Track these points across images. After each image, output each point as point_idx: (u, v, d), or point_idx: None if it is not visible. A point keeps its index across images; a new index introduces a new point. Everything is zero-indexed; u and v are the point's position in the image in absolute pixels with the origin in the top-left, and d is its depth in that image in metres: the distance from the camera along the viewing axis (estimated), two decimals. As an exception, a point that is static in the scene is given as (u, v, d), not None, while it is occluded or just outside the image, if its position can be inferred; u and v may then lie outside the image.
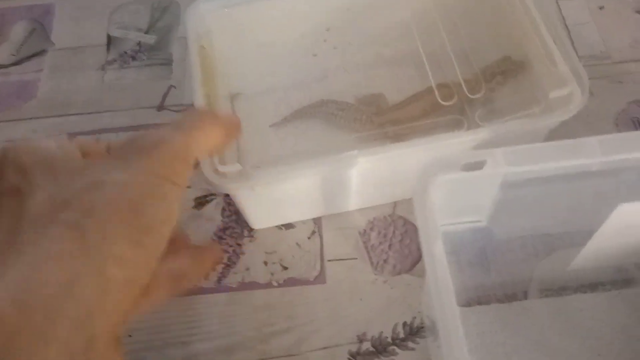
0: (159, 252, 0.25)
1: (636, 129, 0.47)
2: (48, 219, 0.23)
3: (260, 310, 0.42)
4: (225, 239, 0.45)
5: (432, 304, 0.24)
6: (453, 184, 0.26)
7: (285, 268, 0.43)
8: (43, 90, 0.53)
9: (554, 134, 0.39)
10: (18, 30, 0.56)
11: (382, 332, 0.40)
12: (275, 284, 0.43)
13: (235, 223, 0.45)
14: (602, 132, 0.31)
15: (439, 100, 0.41)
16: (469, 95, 0.40)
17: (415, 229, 0.43)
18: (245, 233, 0.45)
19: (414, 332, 0.40)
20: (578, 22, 0.53)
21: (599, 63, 0.51)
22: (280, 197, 0.41)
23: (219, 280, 0.43)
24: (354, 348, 0.40)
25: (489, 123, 0.34)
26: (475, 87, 0.41)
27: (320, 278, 0.43)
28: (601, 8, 0.55)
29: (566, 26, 0.53)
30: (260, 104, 0.49)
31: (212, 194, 0.47)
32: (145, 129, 0.50)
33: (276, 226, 0.45)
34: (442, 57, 0.44)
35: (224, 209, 0.46)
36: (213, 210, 0.46)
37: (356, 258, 0.43)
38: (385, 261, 0.43)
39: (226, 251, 0.44)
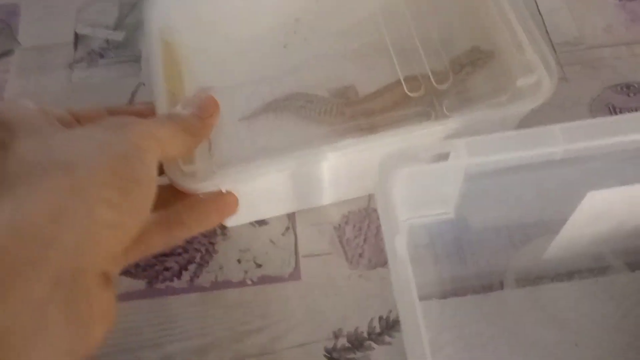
0: (146, 206, 0.26)
1: (611, 114, 0.47)
2: (37, 160, 0.23)
3: (234, 309, 0.41)
4: (197, 237, 0.44)
5: (394, 298, 0.23)
6: (416, 176, 0.26)
7: (260, 265, 0.43)
8: (11, 91, 0.52)
9: (528, 122, 0.38)
10: (-17, 31, 0.55)
11: (357, 327, 0.40)
12: (249, 282, 0.42)
13: (207, 221, 0.44)
14: (576, 119, 0.31)
15: (407, 92, 0.40)
16: (436, 86, 0.39)
17: (390, 222, 0.43)
18: (218, 231, 0.44)
19: (390, 326, 0.40)
20: (551, 7, 0.53)
21: (573, 49, 0.51)
22: (251, 194, 0.40)
23: (192, 280, 0.42)
24: (329, 344, 0.39)
25: (456, 113, 0.33)
26: (443, 78, 0.40)
27: (294, 274, 0.42)
28: (575, -7, 0.54)
29: (540, 12, 0.53)
30: (230, 98, 0.47)
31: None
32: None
33: (250, 223, 0.44)
34: (410, 49, 0.43)
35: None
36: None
37: (331, 253, 0.43)
38: (360, 255, 0.43)
39: (199, 250, 0.43)
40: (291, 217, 0.44)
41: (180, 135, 0.31)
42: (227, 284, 0.42)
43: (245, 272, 0.42)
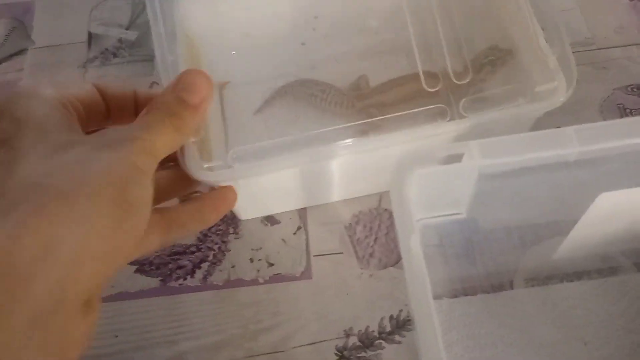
0: (140, 230, 0.26)
1: (621, 115, 0.47)
2: (38, 183, 0.23)
3: (246, 307, 0.41)
4: (210, 236, 0.44)
5: (409, 297, 0.23)
6: (430, 177, 0.26)
7: (271, 264, 0.43)
8: (24, 90, 0.52)
9: (539, 122, 0.39)
10: (-3, 30, 0.56)
11: (368, 326, 0.40)
12: (261, 280, 0.42)
13: (220, 220, 0.45)
14: (586, 119, 0.31)
15: (424, 87, 0.40)
16: (455, 81, 0.39)
17: (400, 221, 0.43)
18: (231, 230, 0.45)
19: (400, 325, 0.40)
20: (563, 8, 0.53)
21: (584, 49, 0.51)
22: (265, 188, 0.41)
23: (205, 278, 0.43)
24: (340, 343, 0.40)
25: (471, 114, 0.33)
26: (462, 77, 0.40)
27: (306, 273, 0.43)
28: (586, -6, 0.54)
29: (550, 13, 0.53)
30: (248, 93, 0.48)
31: (196, 191, 0.46)
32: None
33: (262, 222, 0.45)
34: (433, 46, 0.42)
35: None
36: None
37: (342, 253, 0.43)
38: (371, 255, 0.43)
39: (212, 249, 0.44)
40: (302, 216, 0.45)
41: (169, 134, 0.29)
42: (240, 283, 0.42)
43: (258, 270, 0.43)
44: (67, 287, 0.23)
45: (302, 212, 0.45)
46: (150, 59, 0.53)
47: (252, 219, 0.45)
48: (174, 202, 0.36)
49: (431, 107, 0.40)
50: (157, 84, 0.51)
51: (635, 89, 0.49)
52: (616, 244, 0.38)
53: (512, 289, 0.40)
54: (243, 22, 0.47)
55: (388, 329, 0.40)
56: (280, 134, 0.45)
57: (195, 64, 0.42)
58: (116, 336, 0.41)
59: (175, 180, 0.34)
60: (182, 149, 0.33)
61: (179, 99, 0.30)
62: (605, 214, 0.32)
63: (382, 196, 0.45)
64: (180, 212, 0.32)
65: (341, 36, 0.49)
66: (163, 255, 0.44)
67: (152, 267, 0.43)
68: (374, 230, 0.44)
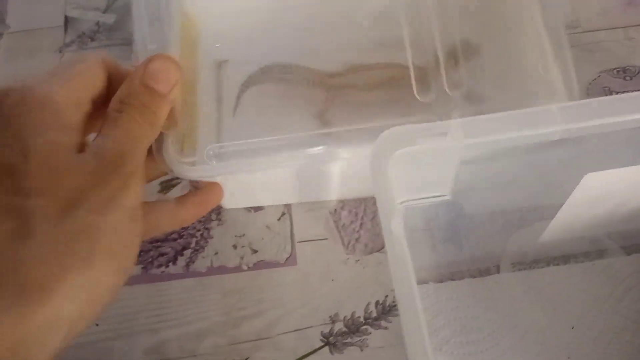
0: (131, 265, 0.27)
1: (607, 98, 0.47)
2: (48, 262, 0.23)
3: (230, 294, 0.41)
4: (192, 223, 0.43)
5: (392, 280, 0.23)
6: (411, 157, 0.25)
7: (255, 251, 0.42)
8: (-1, 75, 0.51)
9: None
10: (-29, 14, 0.54)
11: (354, 312, 0.40)
12: (245, 267, 0.42)
13: (202, 207, 0.44)
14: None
15: (415, 93, 0.39)
16: (448, 91, 0.38)
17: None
18: (213, 217, 0.44)
19: (386, 310, 0.40)
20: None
21: (569, 32, 0.50)
22: (251, 183, 0.40)
23: (187, 265, 0.42)
24: (326, 329, 0.39)
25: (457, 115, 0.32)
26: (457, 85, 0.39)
27: (291, 260, 0.42)
28: (572, -24, 0.54)
29: (537, -5, 0.52)
30: (247, 73, 0.46)
31: (177, 178, 0.45)
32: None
33: (245, 209, 0.44)
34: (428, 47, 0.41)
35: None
36: (179, 194, 0.45)
37: (327, 238, 0.43)
38: (357, 240, 0.42)
39: (194, 236, 0.43)
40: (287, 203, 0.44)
41: (147, 137, 0.29)
42: (223, 270, 0.42)
43: (241, 257, 0.42)
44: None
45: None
46: (128, 42, 0.52)
47: (235, 205, 0.44)
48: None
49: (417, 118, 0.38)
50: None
51: (621, 72, 0.48)
52: (602, 226, 0.38)
53: (499, 273, 0.40)
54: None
55: (374, 314, 0.40)
56: (256, 121, 0.44)
57: (190, 40, 0.41)
58: (97, 324, 0.40)
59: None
60: (156, 140, 0.32)
61: (148, 88, 0.29)
62: (591, 195, 0.32)
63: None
64: (163, 212, 0.33)
65: (346, 26, 0.46)
66: (144, 243, 0.43)
67: (134, 255, 0.42)
68: (359, 216, 0.43)
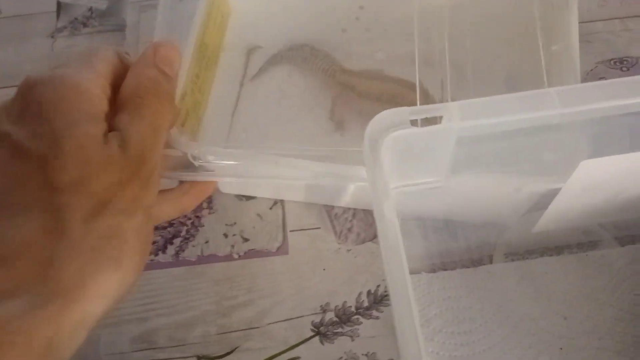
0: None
1: (604, 89, 0.46)
2: (80, 262, 0.24)
3: (220, 283, 0.40)
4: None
5: (384, 267, 0.22)
6: (405, 140, 0.25)
7: (246, 240, 0.42)
8: (-10, 60, 0.50)
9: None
10: (-39, -2, 0.53)
11: (345, 301, 0.39)
12: (235, 256, 0.41)
13: (193, 194, 0.43)
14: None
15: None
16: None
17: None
18: (204, 205, 0.43)
19: (378, 300, 0.39)
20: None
21: (567, 23, 0.50)
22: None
23: (177, 254, 0.41)
24: (317, 319, 0.39)
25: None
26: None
27: (282, 249, 0.41)
28: (570, -33, 0.53)
29: (534, -15, 0.52)
30: (276, 63, 0.45)
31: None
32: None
33: (237, 197, 0.43)
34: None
35: (181, 181, 0.44)
36: (169, 182, 0.44)
37: (319, 227, 0.42)
38: (349, 230, 0.42)
39: (184, 224, 0.42)
40: (279, 190, 0.43)
41: (168, 122, 0.29)
42: (214, 258, 0.41)
43: (232, 246, 0.42)
44: None
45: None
46: (121, 28, 0.51)
47: (227, 193, 0.43)
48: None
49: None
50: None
51: (618, 63, 0.48)
52: (597, 216, 0.38)
53: (492, 263, 0.39)
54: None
55: (365, 304, 0.39)
56: (276, 100, 0.44)
57: (215, 24, 0.40)
58: (84, 313, 0.39)
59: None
60: None
61: (164, 73, 0.28)
62: (586, 183, 0.31)
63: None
64: (167, 201, 0.34)
65: (385, 35, 0.45)
66: (134, 231, 0.42)
67: (123, 243, 0.42)
68: (352, 205, 0.43)
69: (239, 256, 0.41)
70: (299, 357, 0.38)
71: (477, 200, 0.36)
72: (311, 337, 0.38)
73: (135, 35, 0.50)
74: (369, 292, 0.40)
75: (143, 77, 0.27)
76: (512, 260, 0.40)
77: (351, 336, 0.38)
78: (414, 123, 0.24)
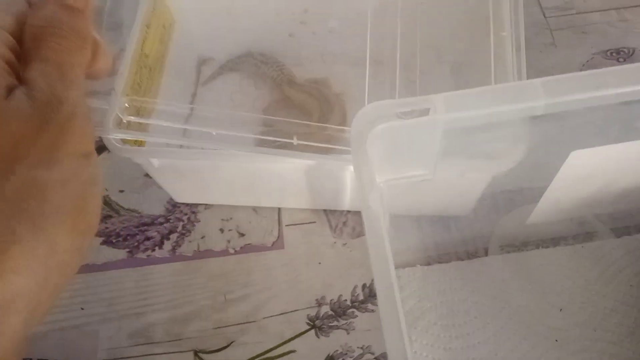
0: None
1: (600, 79, 0.46)
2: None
3: (216, 278, 0.40)
4: (179, 206, 0.43)
5: (369, 259, 0.22)
6: (391, 133, 0.25)
7: (242, 235, 0.42)
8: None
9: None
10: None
11: (341, 295, 0.39)
12: (231, 251, 0.41)
13: (189, 190, 0.44)
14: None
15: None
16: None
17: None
18: (201, 200, 0.43)
19: (373, 294, 0.39)
20: (542, -28, 0.52)
21: (563, 14, 0.50)
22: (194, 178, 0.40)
23: (174, 249, 0.42)
24: (312, 312, 0.39)
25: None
26: None
27: (278, 243, 0.42)
28: (566, -43, 0.53)
29: (530, -23, 0.51)
30: (227, 72, 0.47)
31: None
32: (94, 96, 0.48)
33: (232, 192, 0.44)
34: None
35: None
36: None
37: (315, 222, 0.42)
38: (344, 224, 0.42)
39: (180, 219, 0.43)
40: (274, 185, 0.44)
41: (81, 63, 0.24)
42: (210, 253, 0.41)
43: (228, 241, 0.42)
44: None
45: (274, 182, 0.44)
46: (118, 26, 0.51)
47: (222, 188, 0.44)
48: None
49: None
50: (124, 50, 0.49)
51: (614, 54, 0.48)
52: (591, 207, 0.38)
53: (487, 255, 0.39)
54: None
55: (361, 297, 0.39)
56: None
57: (158, 33, 0.41)
58: (82, 308, 0.40)
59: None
60: None
61: (66, 7, 0.24)
62: (578, 174, 0.31)
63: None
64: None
65: (331, 37, 0.46)
66: (130, 227, 0.42)
67: (119, 239, 0.42)
68: (347, 199, 0.43)
69: (235, 251, 0.41)
70: (294, 351, 0.38)
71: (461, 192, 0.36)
72: (307, 330, 0.38)
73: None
74: (364, 286, 0.40)
75: (40, 17, 0.24)
76: (508, 252, 0.40)
77: (347, 329, 0.38)
78: (399, 116, 0.24)
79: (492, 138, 0.29)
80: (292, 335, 0.38)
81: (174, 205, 0.43)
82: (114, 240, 0.42)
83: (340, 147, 0.32)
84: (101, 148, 0.43)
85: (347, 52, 0.46)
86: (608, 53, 0.48)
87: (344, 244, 0.41)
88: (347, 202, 0.41)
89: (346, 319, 0.39)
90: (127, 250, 0.42)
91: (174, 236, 0.42)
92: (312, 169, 0.35)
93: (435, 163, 0.28)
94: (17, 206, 0.20)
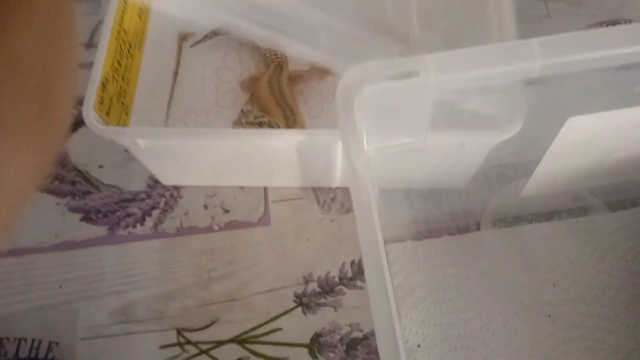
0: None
1: (595, 51, 0.45)
2: None
3: (200, 255, 0.39)
4: (160, 182, 0.41)
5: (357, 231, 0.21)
6: (381, 97, 0.23)
7: (227, 211, 0.41)
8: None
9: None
10: None
11: (329, 271, 0.38)
12: (216, 227, 0.40)
13: (172, 165, 0.42)
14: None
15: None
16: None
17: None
18: (184, 175, 0.42)
19: (361, 270, 0.38)
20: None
21: (557, -16, 0.48)
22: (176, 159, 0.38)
23: (156, 226, 0.40)
24: (299, 289, 0.38)
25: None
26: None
27: (264, 220, 0.40)
28: None
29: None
30: (209, 49, 0.45)
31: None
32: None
33: (217, 167, 0.42)
34: None
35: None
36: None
37: (302, 198, 0.41)
38: (332, 200, 0.41)
39: (163, 195, 0.41)
40: (260, 160, 0.42)
41: None
42: (193, 230, 0.40)
43: (212, 217, 0.40)
44: None
45: (260, 156, 0.42)
46: (96, -5, 0.49)
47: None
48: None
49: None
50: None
51: (610, 25, 0.46)
52: (586, 180, 0.36)
53: (479, 230, 0.38)
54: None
55: (349, 274, 0.38)
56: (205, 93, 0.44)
57: (137, 8, 0.39)
58: (61, 286, 0.38)
59: None
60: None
61: None
62: (574, 141, 0.30)
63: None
64: None
65: (318, 1, 0.43)
66: (110, 203, 0.41)
67: (99, 215, 0.40)
68: (335, 174, 0.41)
69: (220, 228, 0.40)
70: (280, 329, 0.37)
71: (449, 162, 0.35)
72: (293, 308, 0.37)
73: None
74: (352, 263, 0.39)
75: None
76: (500, 227, 0.38)
77: (334, 307, 0.37)
78: (389, 78, 0.23)
79: (487, 104, 0.28)
80: (279, 313, 0.37)
81: (155, 181, 0.41)
82: (93, 217, 0.40)
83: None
84: (79, 123, 0.42)
85: (336, 18, 0.44)
86: (604, 24, 0.46)
87: (332, 220, 0.40)
88: (337, 178, 0.39)
89: (334, 296, 0.38)
90: (108, 227, 0.40)
91: (155, 212, 0.41)
92: (302, 146, 0.33)
93: (426, 129, 0.26)
94: None
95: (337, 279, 0.38)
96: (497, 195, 0.39)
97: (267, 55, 0.43)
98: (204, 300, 0.38)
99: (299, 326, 0.37)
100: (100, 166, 0.42)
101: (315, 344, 0.36)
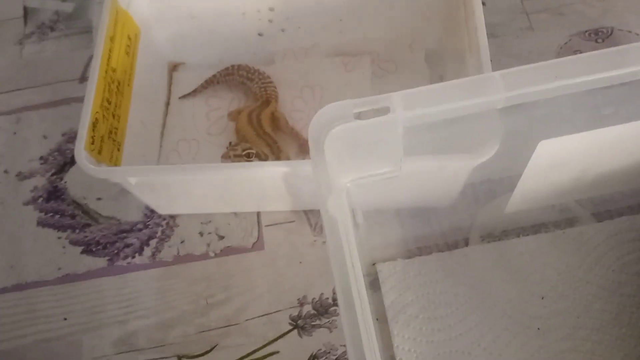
0: None
1: (577, 62, 0.46)
2: None
3: (197, 282, 0.40)
4: (157, 212, 0.43)
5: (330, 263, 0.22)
6: (351, 134, 0.24)
7: (222, 237, 0.42)
8: (-40, 71, 0.50)
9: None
10: None
11: (322, 293, 0.39)
12: (211, 254, 0.41)
13: (167, 195, 0.43)
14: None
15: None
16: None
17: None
18: (179, 204, 0.43)
19: (354, 290, 0.39)
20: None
21: (539, -4, 0.49)
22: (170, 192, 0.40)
23: (154, 255, 0.41)
24: (295, 312, 0.39)
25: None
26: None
27: (258, 244, 0.41)
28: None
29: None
30: (201, 78, 0.46)
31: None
32: (68, 103, 0.48)
33: (211, 194, 0.43)
34: None
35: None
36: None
37: (294, 221, 0.42)
38: (324, 221, 0.42)
39: (159, 225, 0.42)
40: (253, 185, 0.43)
41: None
42: (190, 258, 0.41)
43: (208, 244, 0.42)
44: None
45: (252, 182, 0.43)
46: (88, 30, 0.50)
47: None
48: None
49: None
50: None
51: (592, 34, 0.47)
52: (571, 193, 0.37)
53: (467, 246, 0.39)
54: (189, 3, 0.44)
55: (342, 295, 0.39)
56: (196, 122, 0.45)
57: (124, 42, 0.40)
58: (65, 319, 0.40)
59: None
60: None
61: None
62: (549, 162, 0.31)
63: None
64: None
65: (300, 32, 0.46)
66: (109, 234, 0.42)
67: (99, 247, 0.42)
68: (326, 196, 0.42)
69: (215, 254, 0.41)
70: (278, 352, 0.38)
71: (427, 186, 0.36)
72: (289, 331, 0.38)
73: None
74: (345, 283, 0.39)
75: None
76: (488, 242, 0.39)
77: (329, 328, 0.38)
78: (358, 116, 0.24)
79: (462, 131, 0.29)
80: (275, 336, 0.38)
81: (152, 211, 0.43)
82: (93, 249, 0.42)
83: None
84: (72, 161, 0.44)
85: (319, 45, 0.46)
86: (586, 34, 0.47)
87: (324, 242, 0.41)
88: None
89: (328, 317, 0.38)
90: (108, 258, 0.41)
91: (153, 242, 0.42)
92: (288, 175, 0.34)
93: (400, 160, 0.27)
94: None
95: (330, 300, 0.39)
96: (483, 211, 0.40)
97: (257, 92, 0.44)
98: (203, 327, 0.39)
99: (296, 349, 0.38)
100: (98, 198, 0.44)
101: (312, 365, 0.37)
